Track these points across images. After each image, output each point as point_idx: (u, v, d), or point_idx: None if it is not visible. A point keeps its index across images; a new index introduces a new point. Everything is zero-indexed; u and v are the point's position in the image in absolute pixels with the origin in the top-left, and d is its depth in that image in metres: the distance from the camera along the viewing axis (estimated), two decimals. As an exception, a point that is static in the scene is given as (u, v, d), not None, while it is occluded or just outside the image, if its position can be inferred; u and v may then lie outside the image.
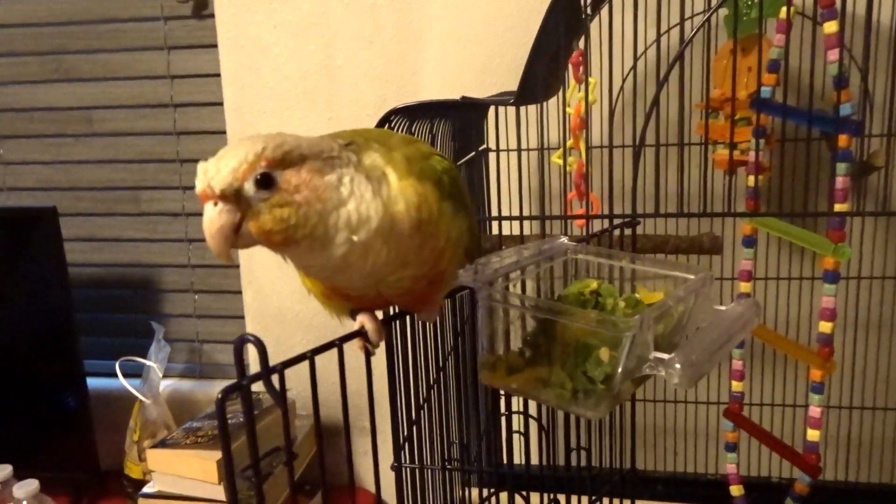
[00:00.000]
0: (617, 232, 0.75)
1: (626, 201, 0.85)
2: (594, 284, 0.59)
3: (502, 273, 0.57)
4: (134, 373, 1.31)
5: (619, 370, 0.49)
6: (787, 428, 1.17)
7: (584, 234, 0.79)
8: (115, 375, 1.28)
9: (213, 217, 0.43)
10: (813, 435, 0.92)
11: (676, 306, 0.54)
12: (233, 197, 0.43)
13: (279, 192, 0.44)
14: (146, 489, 1.17)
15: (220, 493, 1.12)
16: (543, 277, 0.61)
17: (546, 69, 0.82)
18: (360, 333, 0.52)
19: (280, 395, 0.44)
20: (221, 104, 1.29)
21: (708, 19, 0.76)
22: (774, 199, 1.12)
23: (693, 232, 1.09)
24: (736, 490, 1.05)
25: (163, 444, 1.18)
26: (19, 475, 1.08)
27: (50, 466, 1.25)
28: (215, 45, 1.27)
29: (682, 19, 0.78)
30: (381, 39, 1.21)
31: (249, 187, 0.43)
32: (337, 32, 1.22)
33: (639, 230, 1.08)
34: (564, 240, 0.64)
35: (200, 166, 0.44)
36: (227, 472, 0.44)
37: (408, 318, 0.62)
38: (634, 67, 0.84)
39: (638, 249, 1.07)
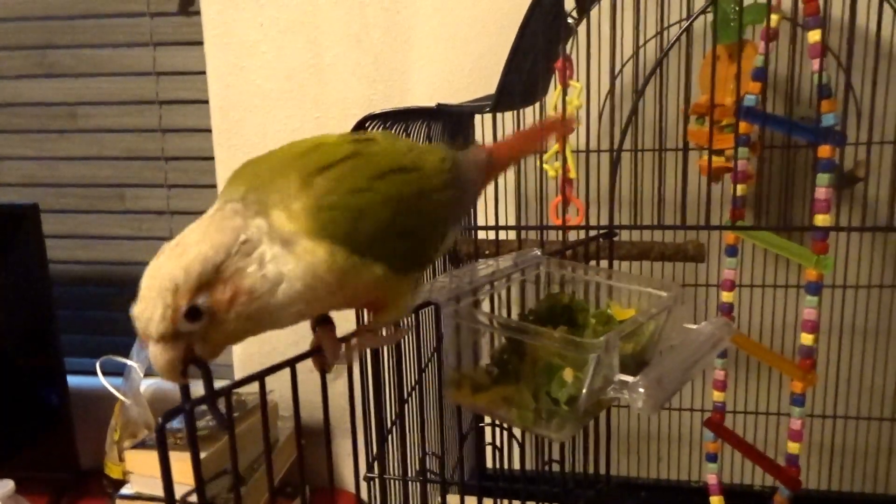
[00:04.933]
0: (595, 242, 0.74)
1: (623, 208, 0.84)
2: (566, 299, 0.58)
3: (470, 288, 0.55)
4: (116, 371, 1.30)
5: (584, 392, 0.48)
6: (769, 436, 1.16)
7: (563, 242, 0.78)
8: (97, 374, 1.27)
9: (158, 356, 0.43)
10: (793, 448, 0.92)
11: (647, 324, 0.53)
12: (172, 336, 0.43)
13: (215, 315, 0.43)
14: (124, 490, 1.16)
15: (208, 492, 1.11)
16: (515, 291, 0.60)
17: (527, 74, 0.81)
18: (316, 352, 0.51)
19: (225, 419, 0.43)
20: (207, 102, 1.28)
21: (687, 28, 0.74)
22: (760, 208, 1.11)
23: (679, 238, 1.08)
24: (717, 501, 1.05)
25: (142, 445, 1.18)
26: (-3, 474, 1.07)
27: (29, 466, 1.24)
28: (201, 43, 1.26)
29: (663, 27, 0.77)
30: (370, 38, 1.20)
31: (183, 325, 0.42)
32: (324, 31, 1.21)
33: (628, 236, 1.08)
34: (538, 252, 0.63)
35: (134, 312, 0.43)
36: (168, 495, 0.43)
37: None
38: (620, 72, 0.83)
39: (622, 256, 1.06)
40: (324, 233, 0.45)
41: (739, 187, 0.95)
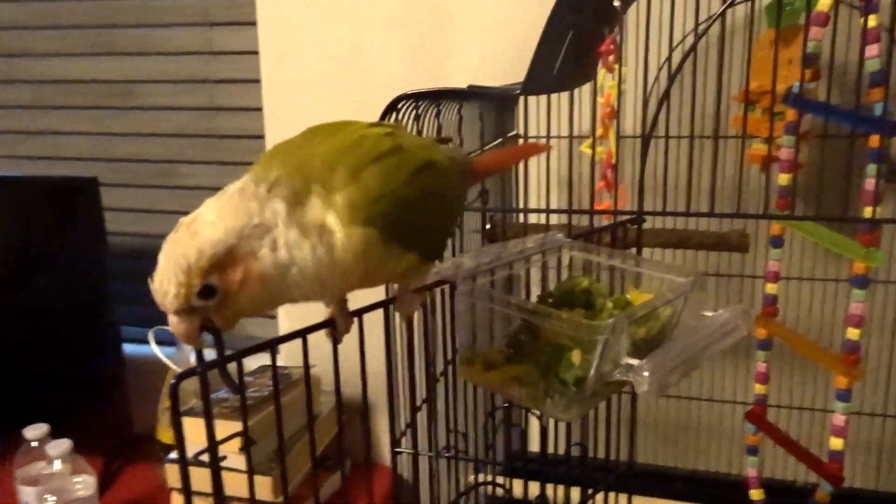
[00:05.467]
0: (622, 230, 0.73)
1: (657, 194, 0.83)
2: (585, 283, 0.58)
3: (488, 268, 0.56)
4: (168, 341, 1.35)
5: (591, 373, 0.48)
6: (811, 432, 1.13)
7: (590, 226, 0.77)
8: (150, 343, 1.31)
9: (176, 326, 0.46)
10: (836, 443, 0.89)
11: (663, 309, 0.53)
12: (187, 310, 0.45)
13: (226, 294, 0.45)
14: (173, 455, 1.20)
15: (241, 462, 1.15)
16: (536, 274, 0.60)
17: (562, 60, 0.80)
18: (330, 324, 0.52)
19: (237, 385, 0.44)
20: (258, 81, 1.31)
21: (723, 13, 0.72)
22: (809, 200, 1.08)
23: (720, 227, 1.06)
24: (756, 494, 1.03)
25: (190, 412, 1.22)
26: (56, 436, 1.12)
27: (85, 429, 1.30)
28: (254, 23, 1.28)
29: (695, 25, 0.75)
30: (412, 21, 1.20)
31: (197, 302, 0.44)
32: (368, 14, 1.22)
33: (670, 223, 1.06)
34: (562, 236, 0.63)
35: (152, 285, 0.45)
36: (181, 458, 0.45)
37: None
38: (668, 59, 0.81)
39: (660, 243, 1.04)
40: (367, 223, 0.47)
41: (784, 177, 0.92)
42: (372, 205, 0.47)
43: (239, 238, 0.45)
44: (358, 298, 0.55)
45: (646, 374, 0.46)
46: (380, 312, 0.56)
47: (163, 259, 0.45)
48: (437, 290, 0.60)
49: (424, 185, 0.51)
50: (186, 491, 0.46)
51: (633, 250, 0.71)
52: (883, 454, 1.14)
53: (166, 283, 0.44)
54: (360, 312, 0.54)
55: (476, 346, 0.56)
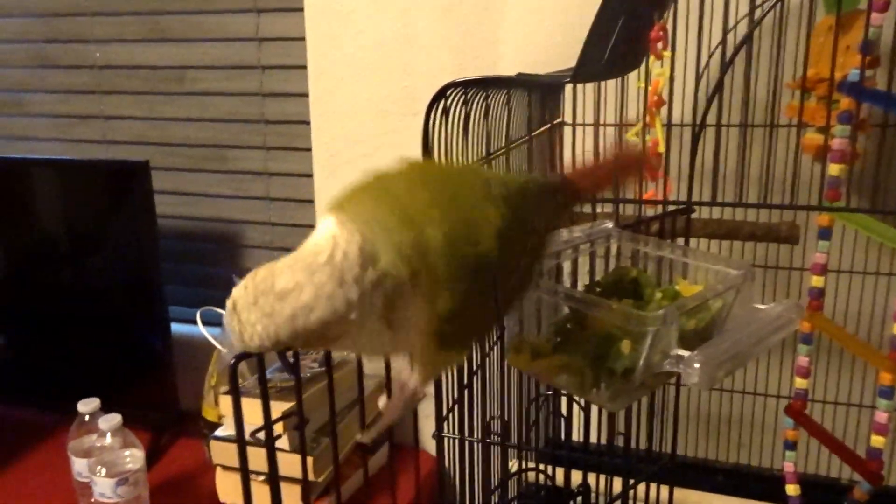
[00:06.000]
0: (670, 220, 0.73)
1: (705, 185, 0.82)
2: (634, 273, 0.58)
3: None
4: (216, 322, 1.37)
5: (640, 364, 0.48)
6: (850, 429, 1.11)
7: (638, 216, 0.77)
8: (197, 323, 1.34)
9: None
10: (877, 441, 0.88)
11: (714, 302, 0.52)
12: None
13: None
14: (218, 432, 1.23)
15: (284, 442, 1.17)
16: (584, 263, 0.60)
17: (613, 46, 0.80)
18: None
19: (291, 365, 0.46)
20: (305, 67, 1.32)
21: (778, 1, 0.71)
22: (864, 191, 1.05)
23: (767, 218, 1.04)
24: (792, 489, 1.02)
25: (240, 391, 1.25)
26: (106, 411, 1.15)
27: (134, 405, 1.34)
28: (302, 9, 1.29)
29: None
30: (460, 8, 1.20)
31: None
32: (415, 0, 1.22)
33: (718, 213, 1.04)
34: (610, 225, 0.63)
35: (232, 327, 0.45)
36: (239, 437, 0.47)
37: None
38: (719, 45, 0.80)
39: (709, 234, 1.03)
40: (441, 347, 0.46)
41: (835, 167, 0.91)
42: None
43: (329, 326, 0.44)
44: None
45: (696, 365, 0.45)
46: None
47: (247, 319, 0.44)
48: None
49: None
50: (244, 471, 0.48)
51: (681, 241, 0.70)
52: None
53: (253, 340, 0.44)
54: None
55: (523, 334, 0.56)
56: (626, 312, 0.50)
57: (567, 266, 0.60)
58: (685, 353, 0.47)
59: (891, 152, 1.01)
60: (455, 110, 0.74)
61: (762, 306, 0.54)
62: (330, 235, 0.45)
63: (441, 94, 0.72)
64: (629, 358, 0.49)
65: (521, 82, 0.79)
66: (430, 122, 0.71)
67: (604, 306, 0.51)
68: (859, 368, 1.12)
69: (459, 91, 0.73)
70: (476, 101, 0.76)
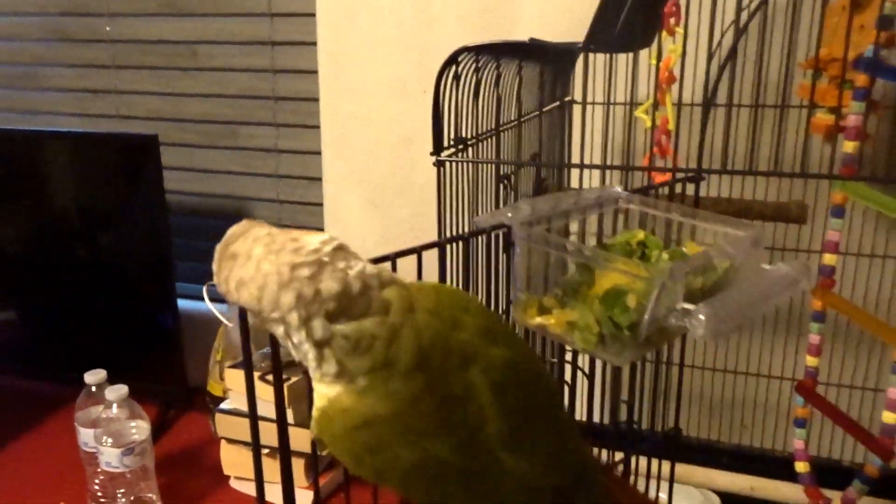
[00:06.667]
0: (680, 188, 0.73)
1: (714, 163, 0.82)
2: (641, 235, 0.58)
3: (546, 216, 0.56)
4: (221, 298, 1.38)
5: (646, 317, 0.49)
6: (863, 413, 1.11)
7: (648, 183, 0.77)
8: (203, 299, 1.35)
9: None
10: (889, 417, 0.88)
11: (721, 262, 0.53)
12: None
13: None
14: (223, 405, 1.24)
15: (289, 416, 1.18)
16: (590, 224, 0.61)
17: (625, 19, 0.80)
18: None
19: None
20: (315, 44, 1.32)
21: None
22: (877, 171, 1.05)
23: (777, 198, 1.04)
24: (802, 467, 1.02)
25: (240, 365, 1.26)
26: (113, 383, 1.16)
27: (142, 379, 1.34)
28: (315, -15, 1.30)
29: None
30: (473, -18, 1.20)
31: None
32: (433, -23, 1.22)
33: (727, 192, 1.05)
34: (619, 189, 0.63)
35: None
36: (252, 414, 0.47)
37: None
38: (734, 22, 0.80)
39: (720, 212, 1.03)
40: None
41: (850, 144, 0.90)
42: None
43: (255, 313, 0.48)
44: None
45: (702, 317, 0.46)
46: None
47: (217, 261, 0.49)
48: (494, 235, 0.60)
49: None
50: (255, 441, 0.48)
51: (692, 197, 0.71)
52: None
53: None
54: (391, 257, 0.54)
55: (531, 292, 0.56)
56: (632, 265, 0.50)
57: (575, 227, 0.61)
58: (691, 307, 0.47)
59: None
60: (466, 78, 0.74)
61: (768, 266, 0.54)
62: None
63: (452, 60, 0.72)
64: (635, 311, 0.50)
65: (533, 52, 0.79)
66: (441, 87, 0.71)
67: (612, 259, 0.51)
68: (866, 351, 1.12)
69: (471, 57, 0.73)
70: (488, 69, 0.76)
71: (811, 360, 1.01)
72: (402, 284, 0.46)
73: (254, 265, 0.45)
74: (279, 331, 0.45)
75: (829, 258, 0.97)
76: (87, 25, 1.51)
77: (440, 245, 0.56)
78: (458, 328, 0.46)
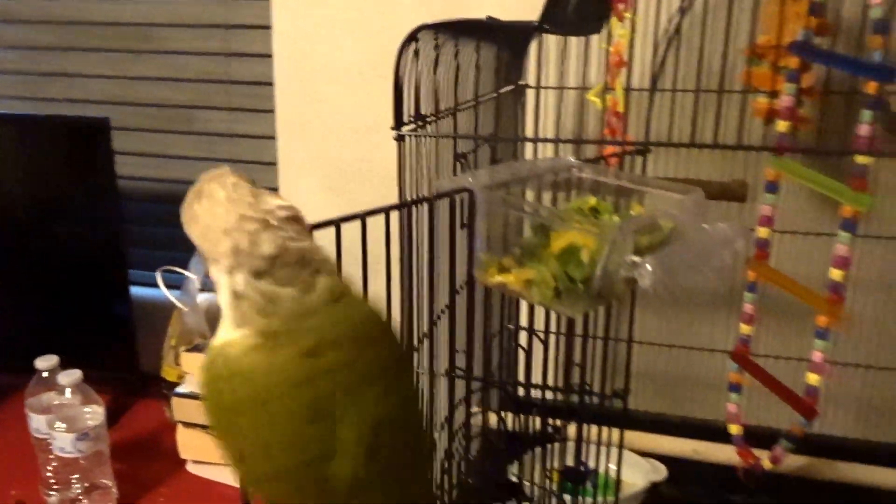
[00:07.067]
0: (629, 162, 0.77)
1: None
2: (592, 201, 0.62)
3: (502, 181, 0.60)
4: (176, 284, 1.38)
5: (598, 271, 0.52)
6: (796, 381, 1.17)
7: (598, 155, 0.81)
8: (158, 286, 1.34)
9: None
10: (812, 378, 0.94)
11: (665, 223, 0.56)
12: None
13: None
14: (179, 389, 1.24)
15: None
16: (545, 191, 0.64)
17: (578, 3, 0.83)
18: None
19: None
20: (270, 27, 1.32)
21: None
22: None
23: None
24: (735, 429, 1.08)
25: (197, 348, 1.26)
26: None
27: (95, 366, 1.33)
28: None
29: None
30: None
31: None
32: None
33: (673, 173, 1.09)
34: (571, 158, 0.67)
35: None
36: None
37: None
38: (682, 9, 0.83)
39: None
40: None
41: (783, 124, 0.96)
42: None
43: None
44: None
45: (648, 267, 0.49)
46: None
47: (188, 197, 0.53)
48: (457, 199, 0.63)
49: None
50: None
51: (640, 172, 0.75)
52: (863, 405, 1.19)
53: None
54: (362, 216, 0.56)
55: (491, 252, 0.59)
56: (586, 222, 0.53)
57: (530, 195, 0.64)
58: (639, 259, 0.51)
59: (834, 117, 1.07)
60: (426, 56, 0.77)
61: (708, 227, 0.58)
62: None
63: (412, 37, 0.74)
64: (589, 266, 0.53)
65: (491, 31, 0.82)
66: (401, 64, 0.74)
67: (567, 218, 0.55)
68: (797, 323, 1.18)
69: (431, 34, 0.75)
70: (446, 49, 0.79)
71: (745, 328, 1.06)
72: (340, 282, 0.49)
73: (210, 206, 0.49)
74: (212, 270, 0.48)
75: (763, 232, 1.02)
76: (33, 6, 1.48)
77: (406, 206, 0.59)
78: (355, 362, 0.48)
